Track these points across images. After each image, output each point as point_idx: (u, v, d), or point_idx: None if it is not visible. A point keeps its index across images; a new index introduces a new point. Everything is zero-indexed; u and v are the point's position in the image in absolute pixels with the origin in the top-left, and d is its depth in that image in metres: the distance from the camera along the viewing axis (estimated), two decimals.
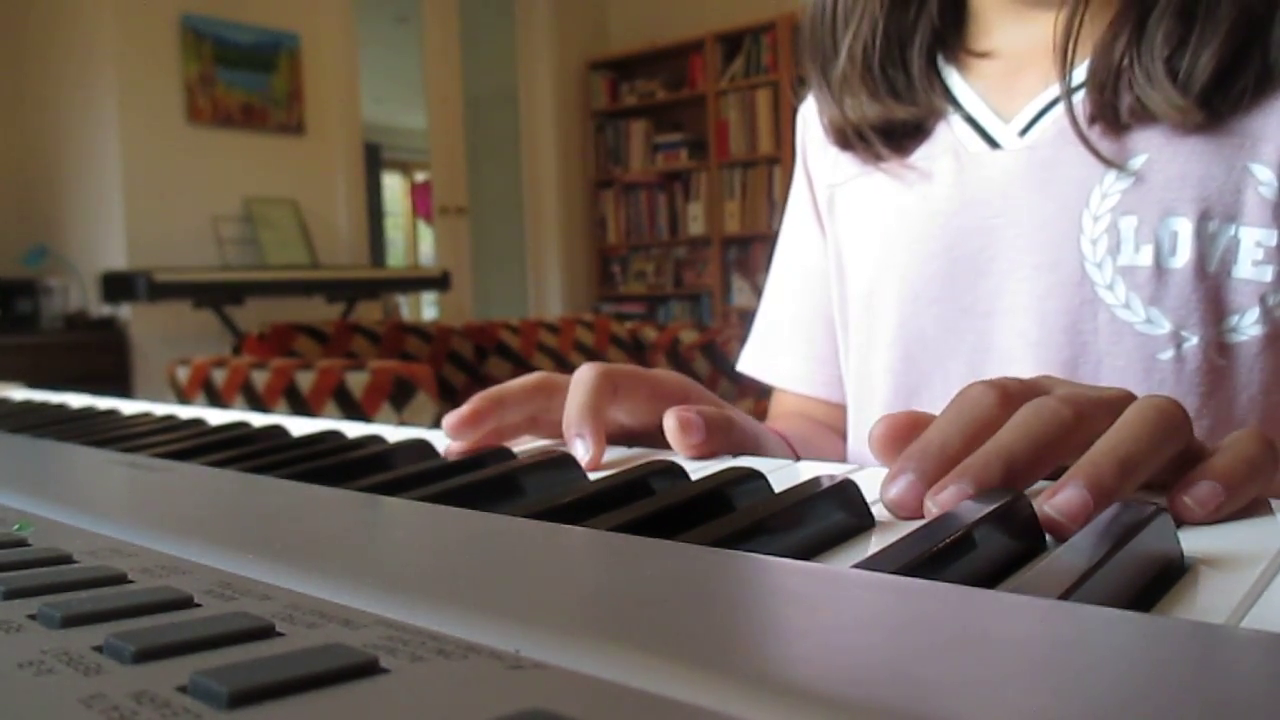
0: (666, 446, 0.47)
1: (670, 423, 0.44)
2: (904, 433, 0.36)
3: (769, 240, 0.83)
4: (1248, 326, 0.54)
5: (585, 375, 0.47)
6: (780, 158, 4.77)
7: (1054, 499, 0.29)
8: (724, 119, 4.98)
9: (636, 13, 5.37)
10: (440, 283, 4.52)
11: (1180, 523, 0.30)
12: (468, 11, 5.10)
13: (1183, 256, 0.54)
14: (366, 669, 0.17)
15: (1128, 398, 0.35)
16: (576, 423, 0.45)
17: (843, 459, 0.71)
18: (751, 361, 0.80)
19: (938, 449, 0.33)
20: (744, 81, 4.89)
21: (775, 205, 4.80)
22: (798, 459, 0.60)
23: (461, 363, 3.04)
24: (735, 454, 0.46)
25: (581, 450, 0.44)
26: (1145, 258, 0.54)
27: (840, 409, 0.74)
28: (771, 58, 4.79)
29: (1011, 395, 0.34)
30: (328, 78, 4.31)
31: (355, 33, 4.50)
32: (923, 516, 0.32)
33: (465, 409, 0.48)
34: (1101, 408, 0.34)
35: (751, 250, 4.95)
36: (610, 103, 5.37)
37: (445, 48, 5.00)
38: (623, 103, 5.34)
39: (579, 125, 5.41)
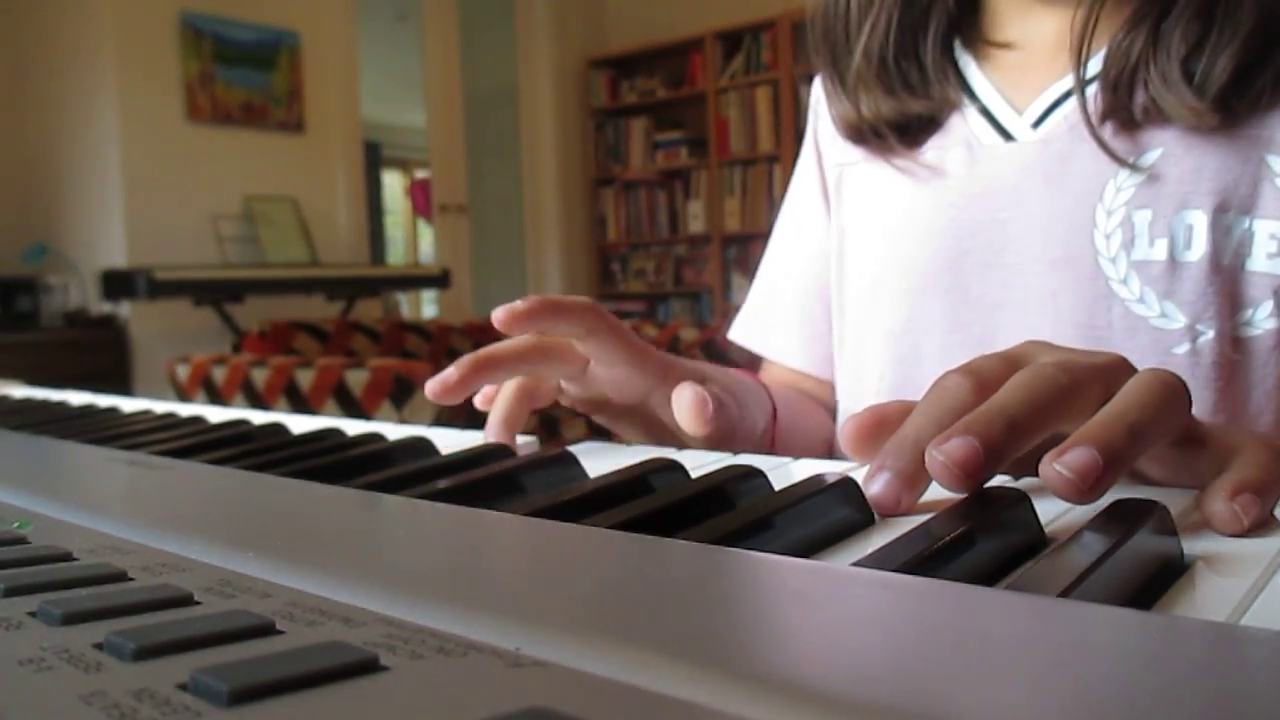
0: (653, 425, 0.48)
1: (686, 396, 0.44)
2: (872, 431, 0.36)
3: (769, 238, 0.82)
4: (1262, 320, 0.53)
5: (578, 299, 0.49)
6: (780, 155, 4.77)
7: (1063, 458, 0.29)
8: (724, 117, 4.97)
9: (636, 11, 5.37)
10: (440, 281, 4.53)
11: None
12: (468, 9, 5.09)
13: (1198, 250, 0.53)
14: (366, 667, 0.17)
15: (1120, 363, 0.35)
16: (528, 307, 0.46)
17: (827, 434, 0.72)
18: (744, 331, 0.79)
19: (912, 444, 0.33)
20: (744, 79, 4.88)
21: (775, 203, 4.77)
22: (775, 410, 0.61)
23: None
24: (728, 434, 0.47)
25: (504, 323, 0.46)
26: (1160, 252, 0.54)
27: (830, 386, 0.74)
28: (772, 56, 4.79)
29: (987, 382, 0.34)
30: (328, 76, 4.31)
31: (355, 31, 4.50)
32: (903, 513, 0.32)
33: (452, 372, 0.48)
34: (1096, 373, 0.34)
35: (752, 248, 4.95)
36: (610, 100, 5.37)
37: (445, 46, 5.00)
38: (623, 100, 5.34)
39: (579, 123, 5.41)
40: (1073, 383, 0.32)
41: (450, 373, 0.48)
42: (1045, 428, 0.32)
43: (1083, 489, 0.28)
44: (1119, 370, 0.35)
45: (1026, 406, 0.31)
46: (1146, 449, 0.31)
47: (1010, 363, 0.36)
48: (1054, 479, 0.29)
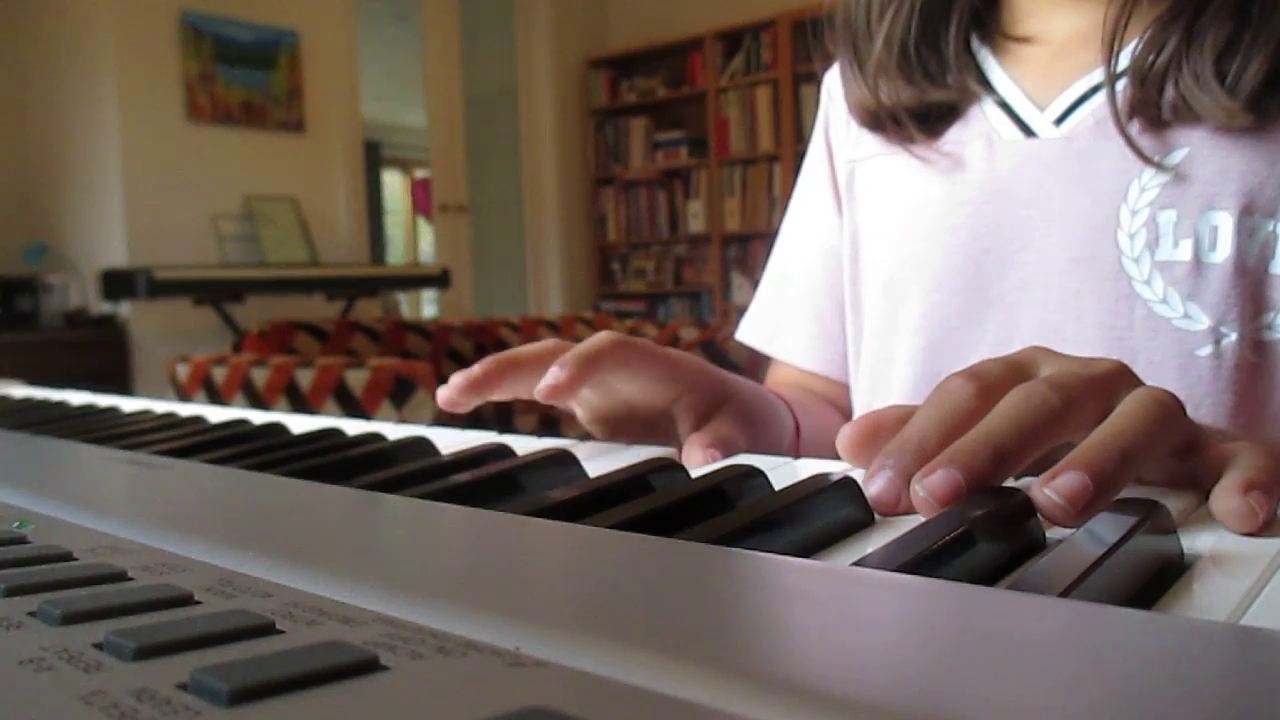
0: (668, 433, 0.48)
1: (695, 460, 0.44)
2: (867, 438, 0.36)
3: (769, 238, 0.82)
4: None
5: (600, 336, 0.47)
6: (780, 155, 4.77)
7: (1054, 482, 0.29)
8: (724, 117, 4.97)
9: (636, 10, 5.37)
10: (440, 280, 4.53)
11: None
12: (468, 9, 5.09)
13: (1223, 251, 0.53)
14: (366, 666, 0.17)
15: (1119, 372, 0.35)
16: (568, 360, 0.45)
17: None
18: (753, 332, 0.78)
19: (915, 445, 0.33)
20: (744, 79, 4.88)
21: (775, 203, 4.80)
22: (797, 426, 0.60)
23: (462, 360, 3.05)
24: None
25: (552, 376, 0.44)
26: (1184, 253, 0.54)
27: (840, 387, 0.73)
28: (771, 55, 4.79)
29: (990, 387, 0.34)
30: (328, 75, 4.31)
31: (355, 30, 4.50)
32: (903, 512, 0.32)
33: (476, 370, 0.47)
34: (1092, 388, 0.34)
35: (751, 248, 4.95)
36: (610, 100, 5.37)
37: (445, 45, 5.00)
38: (623, 100, 5.34)
39: (579, 123, 5.41)
40: (1066, 403, 0.32)
41: (474, 370, 0.47)
42: (1034, 452, 0.32)
43: (1072, 514, 0.28)
44: (1117, 380, 0.34)
45: (1014, 433, 0.31)
46: (1138, 472, 0.31)
47: (1013, 368, 0.36)
48: (1044, 503, 0.29)
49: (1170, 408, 0.33)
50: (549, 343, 0.49)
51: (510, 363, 0.48)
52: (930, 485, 0.30)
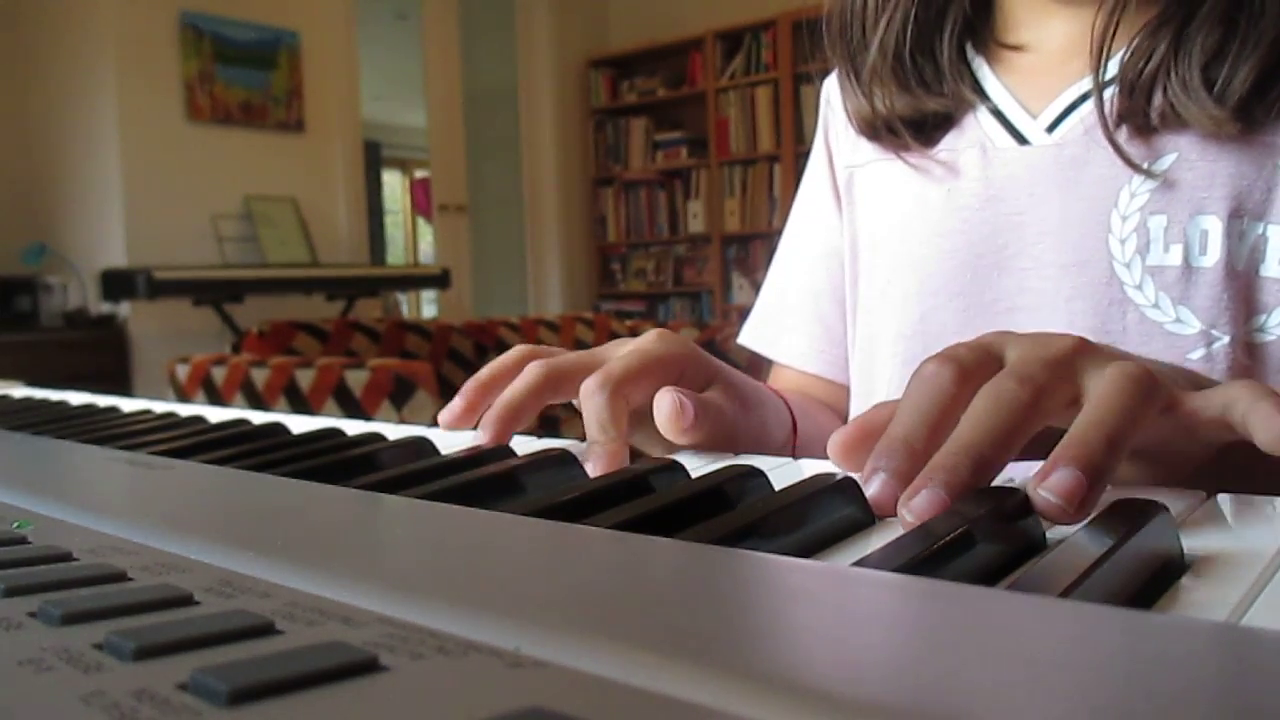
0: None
1: (664, 403, 0.44)
2: (860, 441, 0.36)
3: (769, 238, 0.82)
4: (1275, 326, 0.53)
5: (598, 398, 0.44)
6: (780, 155, 4.77)
7: (1047, 481, 0.29)
8: (724, 117, 4.98)
9: (637, 10, 5.37)
10: (440, 280, 4.53)
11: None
12: (468, 8, 5.09)
13: (1213, 255, 0.53)
14: (366, 667, 0.17)
15: (1079, 347, 0.35)
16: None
17: None
18: (754, 335, 0.79)
19: (903, 443, 0.33)
20: (744, 79, 4.89)
21: (775, 203, 4.80)
22: (794, 421, 0.60)
23: (461, 360, 3.05)
24: (728, 440, 0.46)
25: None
26: (1175, 257, 0.54)
27: (842, 390, 0.73)
28: (772, 55, 4.79)
29: (967, 371, 0.34)
30: (327, 75, 4.31)
31: (355, 30, 4.50)
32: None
33: (458, 402, 0.49)
34: (1057, 371, 0.34)
35: (752, 248, 4.95)
36: (610, 100, 5.37)
37: (445, 45, 5.00)
38: (623, 100, 5.34)
39: (579, 123, 5.41)
40: (1035, 394, 0.33)
41: (456, 403, 0.49)
42: (1014, 450, 0.32)
43: (1070, 511, 0.28)
44: (1080, 357, 0.35)
45: (992, 439, 0.31)
46: (1127, 452, 0.31)
47: (985, 352, 0.36)
48: (1041, 504, 0.29)
49: (1143, 381, 0.33)
50: (516, 351, 0.50)
51: (486, 384, 0.49)
52: (915, 508, 0.30)
